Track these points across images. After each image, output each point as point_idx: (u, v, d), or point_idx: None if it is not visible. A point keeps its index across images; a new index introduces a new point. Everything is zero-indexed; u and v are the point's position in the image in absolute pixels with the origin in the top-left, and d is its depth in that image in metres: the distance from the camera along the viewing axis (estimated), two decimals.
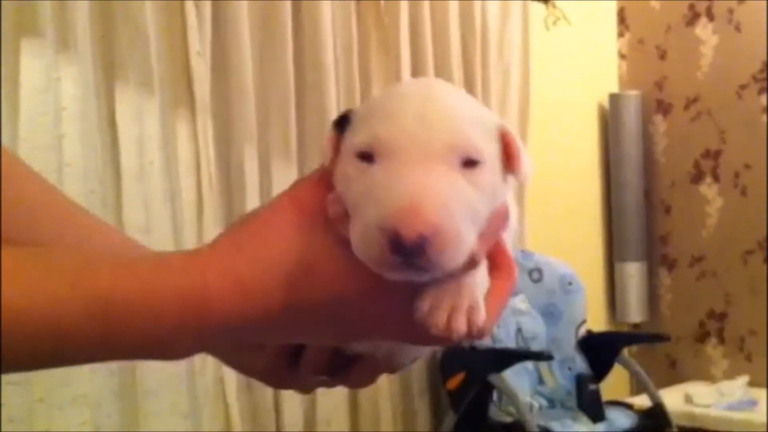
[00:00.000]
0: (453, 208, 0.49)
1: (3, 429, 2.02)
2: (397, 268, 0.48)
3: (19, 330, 0.47)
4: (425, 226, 0.47)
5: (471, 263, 0.51)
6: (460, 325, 0.51)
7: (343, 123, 0.54)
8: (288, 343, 0.59)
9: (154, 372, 2.23)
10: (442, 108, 0.52)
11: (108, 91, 2.31)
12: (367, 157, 0.51)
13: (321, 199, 0.52)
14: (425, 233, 0.46)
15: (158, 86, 2.37)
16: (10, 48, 2.11)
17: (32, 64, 2.14)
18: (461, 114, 0.53)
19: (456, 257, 0.49)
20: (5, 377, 1.98)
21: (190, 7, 2.41)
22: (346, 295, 0.51)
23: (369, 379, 0.60)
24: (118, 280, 0.49)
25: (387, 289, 0.51)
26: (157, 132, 2.37)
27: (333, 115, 2.74)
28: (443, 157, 0.50)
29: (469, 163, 0.51)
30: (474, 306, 0.52)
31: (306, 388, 0.63)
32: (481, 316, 0.52)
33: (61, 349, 0.49)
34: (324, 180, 0.54)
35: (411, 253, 0.47)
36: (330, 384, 0.61)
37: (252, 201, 2.53)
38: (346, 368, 0.59)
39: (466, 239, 0.49)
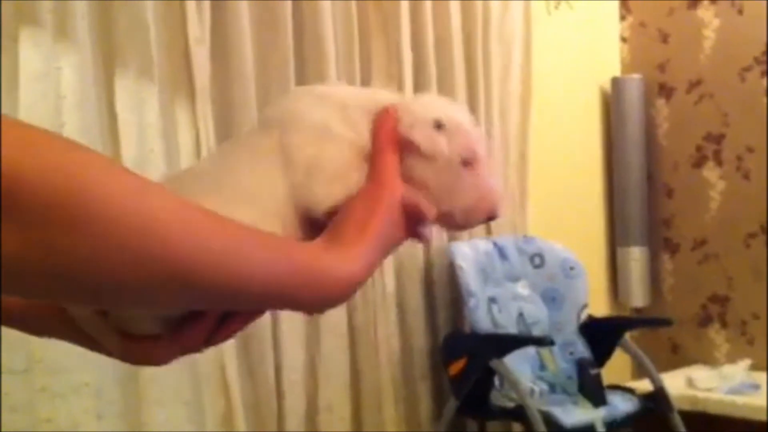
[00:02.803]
0: None
1: (4, 419, 2.03)
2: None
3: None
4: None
5: None
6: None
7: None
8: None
9: None
10: None
11: (108, 79, 2.30)
12: (466, 163, 0.66)
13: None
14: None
15: (158, 74, 2.36)
16: (10, 37, 2.11)
17: (31, 53, 2.14)
18: None
19: None
20: (5, 367, 1.99)
21: None
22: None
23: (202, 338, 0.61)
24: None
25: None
26: (158, 120, 2.37)
27: None
28: None
29: None
30: None
31: (166, 359, 0.61)
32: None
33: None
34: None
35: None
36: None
37: None
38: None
39: None
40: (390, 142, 0.62)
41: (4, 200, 0.41)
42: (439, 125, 0.65)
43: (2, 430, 2.02)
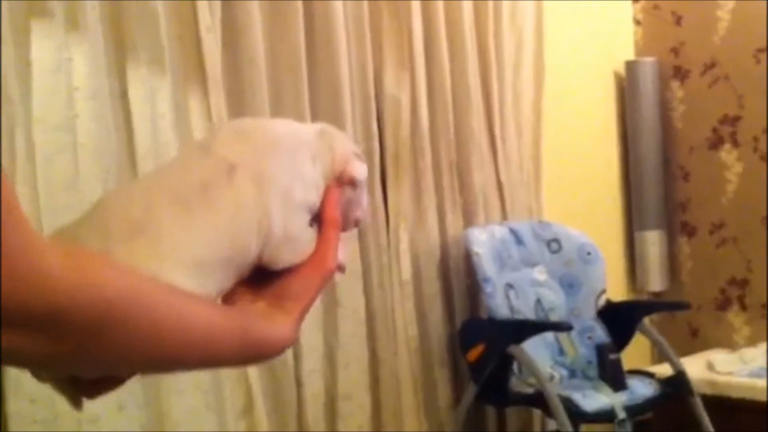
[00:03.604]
0: None
1: (26, 409, 2.03)
2: None
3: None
4: None
5: None
6: None
7: None
8: None
9: None
10: None
11: (119, 69, 2.30)
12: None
13: None
14: None
15: (169, 63, 2.36)
16: (21, 29, 2.10)
17: (43, 44, 2.14)
18: None
19: None
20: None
21: None
22: None
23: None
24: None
25: None
26: (170, 109, 2.36)
27: (345, 87, 2.73)
28: None
29: None
30: None
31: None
32: None
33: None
34: None
35: None
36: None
37: None
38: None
39: None
40: (335, 219, 0.71)
41: (49, 321, 0.48)
42: (358, 156, 0.75)
43: (25, 420, 2.02)
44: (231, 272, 0.66)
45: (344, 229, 0.74)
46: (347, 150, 0.75)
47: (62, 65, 2.16)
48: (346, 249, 0.74)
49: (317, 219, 0.72)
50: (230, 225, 0.66)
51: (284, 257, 0.69)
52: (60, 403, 2.04)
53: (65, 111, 2.16)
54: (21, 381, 2.03)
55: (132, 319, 0.53)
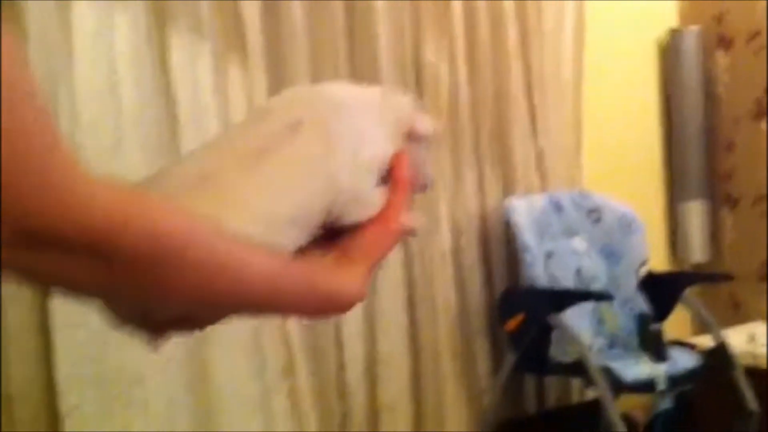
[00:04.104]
0: None
1: (73, 370, 2.07)
2: None
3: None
4: None
5: None
6: None
7: None
8: None
9: None
10: None
11: (160, 37, 2.31)
12: None
13: None
14: None
15: (209, 32, 2.37)
16: None
17: (85, 12, 2.16)
18: None
19: None
20: (75, 319, 2.03)
21: None
22: None
23: None
24: None
25: None
26: (210, 77, 2.38)
27: (383, 56, 2.72)
28: None
29: None
30: None
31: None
32: None
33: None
34: None
35: None
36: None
37: None
38: None
39: None
40: (403, 179, 0.70)
41: (94, 247, 0.48)
42: (422, 113, 0.73)
43: (74, 381, 2.07)
44: (299, 228, 0.65)
45: (414, 190, 0.73)
46: (411, 108, 0.73)
47: (104, 32, 2.18)
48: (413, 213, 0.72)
49: (386, 180, 0.70)
50: (297, 178, 0.65)
51: (351, 214, 0.67)
52: (107, 363, 2.09)
53: (107, 78, 2.18)
54: (70, 343, 2.07)
55: (189, 258, 0.53)
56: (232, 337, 2.30)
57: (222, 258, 0.56)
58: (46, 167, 0.46)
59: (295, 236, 0.65)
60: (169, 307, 0.59)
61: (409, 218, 0.71)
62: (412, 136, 0.72)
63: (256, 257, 0.59)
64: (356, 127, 0.68)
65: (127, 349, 2.10)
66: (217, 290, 0.56)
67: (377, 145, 0.69)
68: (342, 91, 0.71)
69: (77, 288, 0.52)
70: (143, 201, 0.52)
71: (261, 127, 0.67)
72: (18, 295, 2.04)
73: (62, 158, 0.47)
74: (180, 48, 2.32)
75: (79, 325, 2.07)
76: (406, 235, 0.71)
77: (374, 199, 0.69)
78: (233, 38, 2.45)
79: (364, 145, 0.68)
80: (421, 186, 0.74)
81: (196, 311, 0.61)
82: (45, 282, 0.58)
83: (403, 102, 0.73)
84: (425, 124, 0.73)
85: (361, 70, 2.72)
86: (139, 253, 0.50)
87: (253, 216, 0.62)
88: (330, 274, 0.65)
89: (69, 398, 2.08)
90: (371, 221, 0.68)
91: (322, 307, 0.65)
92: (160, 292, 0.54)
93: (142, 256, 0.50)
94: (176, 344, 2.21)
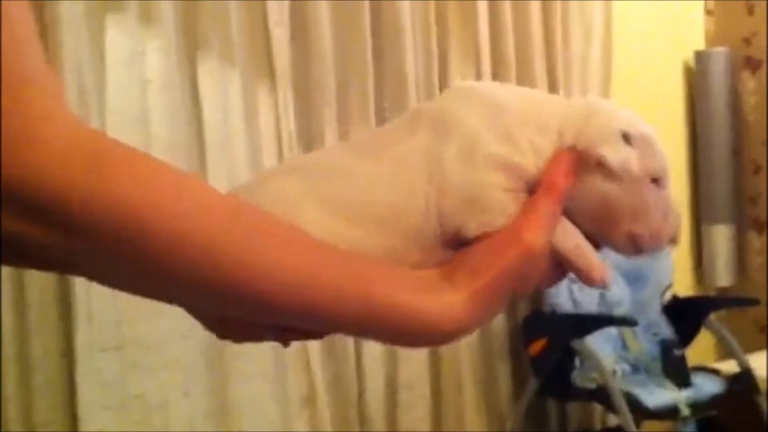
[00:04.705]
0: None
1: (97, 395, 2.10)
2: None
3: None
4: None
5: None
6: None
7: None
8: None
9: None
10: None
11: (191, 63, 2.34)
12: (654, 180, 0.59)
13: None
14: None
15: (239, 57, 2.40)
16: (96, 23, 2.16)
17: (117, 38, 2.19)
18: None
19: None
20: (98, 345, 2.06)
21: None
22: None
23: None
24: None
25: None
26: (240, 102, 2.40)
27: (411, 81, 2.73)
28: None
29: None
30: None
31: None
32: None
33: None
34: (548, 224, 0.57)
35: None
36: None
37: None
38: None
39: None
40: (552, 184, 0.56)
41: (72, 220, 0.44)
42: (627, 138, 0.57)
43: (96, 406, 2.09)
44: (394, 228, 0.56)
45: (597, 244, 0.59)
46: (610, 129, 0.58)
47: (136, 59, 2.21)
48: (572, 233, 0.57)
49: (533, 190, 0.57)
50: (392, 171, 0.58)
51: (469, 222, 0.56)
52: (129, 390, 2.12)
53: (139, 103, 2.21)
54: (92, 368, 2.10)
55: (163, 235, 0.46)
56: (254, 365, 2.32)
57: (224, 243, 0.48)
58: (11, 118, 0.42)
59: (387, 240, 0.56)
60: (152, 290, 0.50)
61: (561, 236, 0.57)
62: (589, 158, 0.58)
63: (291, 245, 0.51)
64: (492, 118, 0.58)
65: (149, 375, 2.13)
66: (220, 281, 0.48)
67: (513, 140, 0.58)
68: (511, 92, 0.61)
69: (43, 259, 0.46)
70: (111, 164, 0.46)
71: (389, 125, 0.62)
72: (43, 321, 2.07)
73: (33, 107, 0.43)
74: (210, 73, 2.35)
75: (102, 350, 2.10)
76: (566, 272, 0.58)
77: (498, 204, 0.56)
78: (263, 63, 2.48)
79: (489, 133, 0.58)
80: (662, 241, 0.60)
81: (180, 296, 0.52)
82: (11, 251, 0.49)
83: (611, 118, 0.59)
84: (611, 151, 0.57)
85: (390, 94, 2.74)
86: (91, 224, 0.45)
87: (333, 208, 0.57)
88: (411, 290, 0.53)
89: (90, 425, 2.10)
90: (496, 232, 0.56)
91: (390, 328, 0.52)
92: (140, 273, 0.47)
93: (94, 228, 0.45)
94: (197, 372, 2.24)
